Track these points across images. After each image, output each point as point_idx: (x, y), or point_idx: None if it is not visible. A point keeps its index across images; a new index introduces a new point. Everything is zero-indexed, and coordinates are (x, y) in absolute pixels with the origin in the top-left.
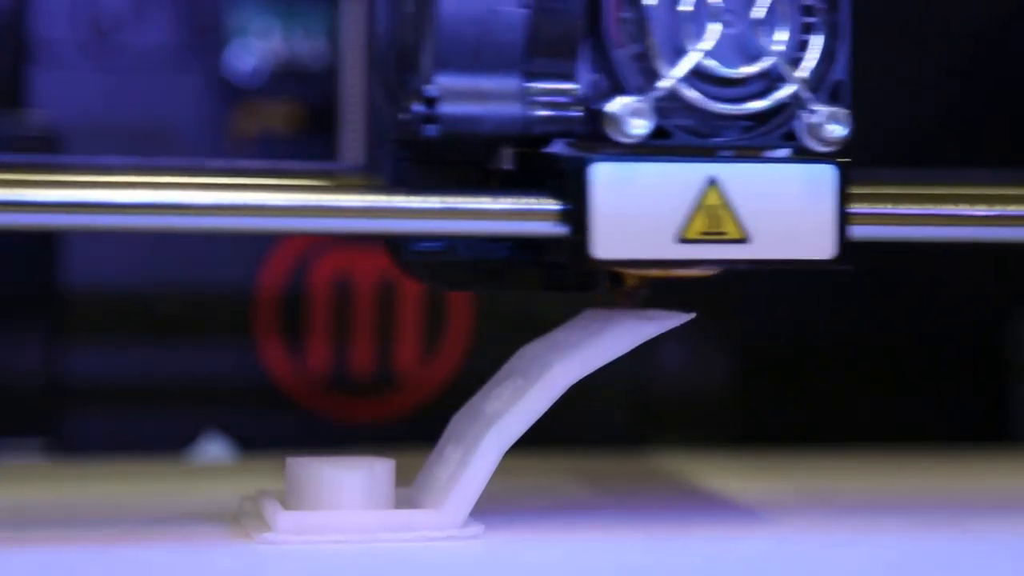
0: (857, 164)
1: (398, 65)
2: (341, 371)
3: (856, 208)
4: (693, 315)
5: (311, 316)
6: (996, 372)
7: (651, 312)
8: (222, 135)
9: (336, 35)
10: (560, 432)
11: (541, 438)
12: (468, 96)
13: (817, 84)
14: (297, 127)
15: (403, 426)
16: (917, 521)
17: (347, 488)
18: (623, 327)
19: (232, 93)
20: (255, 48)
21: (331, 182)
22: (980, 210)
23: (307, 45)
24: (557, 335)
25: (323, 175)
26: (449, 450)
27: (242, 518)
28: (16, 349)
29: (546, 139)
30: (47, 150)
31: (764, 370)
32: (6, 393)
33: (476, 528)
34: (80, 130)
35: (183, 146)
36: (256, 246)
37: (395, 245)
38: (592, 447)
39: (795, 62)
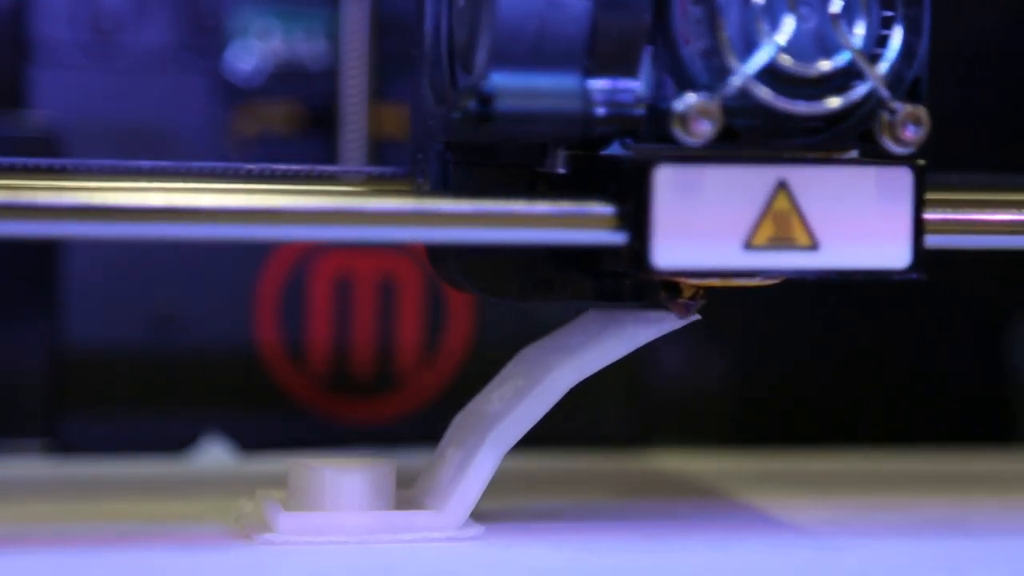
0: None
1: (449, 63)
2: (341, 371)
3: (932, 215)
4: (696, 317)
5: (311, 316)
6: (997, 373)
7: (652, 314)
8: (222, 136)
9: (336, 36)
10: (560, 432)
11: (541, 438)
12: (525, 94)
13: (896, 82)
14: (297, 128)
15: (403, 427)
16: (917, 521)
17: (348, 489)
18: (624, 329)
19: (232, 94)
20: (255, 49)
21: (374, 187)
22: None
23: (307, 46)
24: (558, 337)
25: (325, 178)
26: (450, 452)
27: (243, 519)
28: (16, 349)
29: (605, 140)
30: (47, 151)
31: (764, 370)
32: (6, 393)
33: (476, 529)
34: (80, 131)
35: (183, 147)
36: (257, 245)
37: (437, 253)
38: (592, 447)
39: (873, 58)
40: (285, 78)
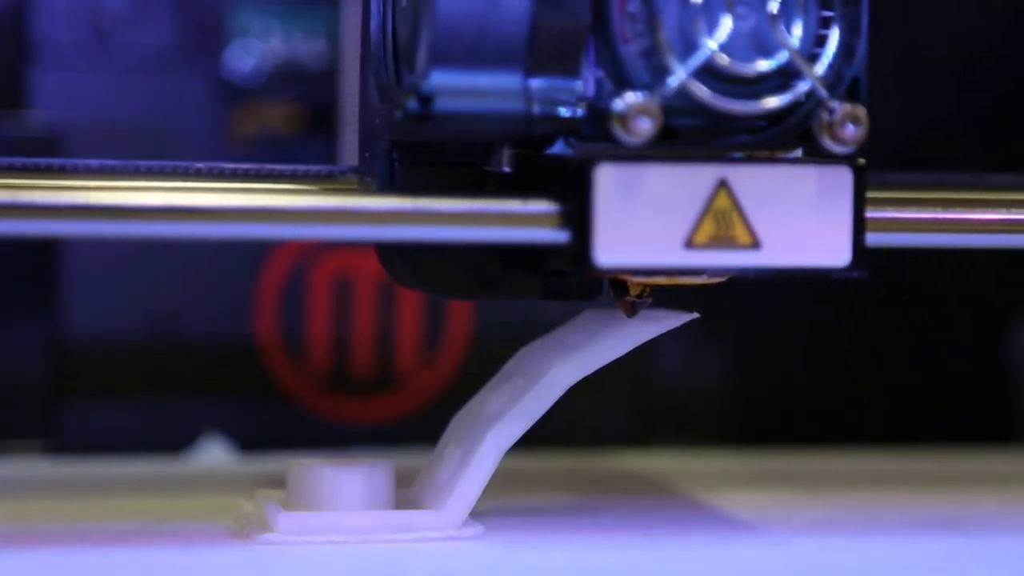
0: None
1: (392, 62)
2: (341, 371)
3: (873, 213)
4: (695, 315)
5: (311, 316)
6: (997, 373)
7: (652, 312)
8: (222, 136)
9: (336, 36)
10: (560, 432)
11: (541, 438)
12: (466, 93)
13: (834, 81)
14: (297, 128)
15: (403, 427)
16: (917, 521)
17: (347, 489)
18: (624, 328)
19: (232, 94)
20: (255, 49)
21: (329, 185)
22: (1004, 214)
23: (307, 46)
24: (557, 335)
25: (323, 178)
26: (449, 451)
27: (242, 519)
28: (16, 348)
29: (549, 139)
30: (47, 151)
31: (764, 370)
32: (6, 392)
33: (476, 529)
34: (80, 131)
35: (183, 147)
36: (256, 245)
37: (386, 251)
38: (592, 447)
39: (811, 58)
40: (285, 78)
